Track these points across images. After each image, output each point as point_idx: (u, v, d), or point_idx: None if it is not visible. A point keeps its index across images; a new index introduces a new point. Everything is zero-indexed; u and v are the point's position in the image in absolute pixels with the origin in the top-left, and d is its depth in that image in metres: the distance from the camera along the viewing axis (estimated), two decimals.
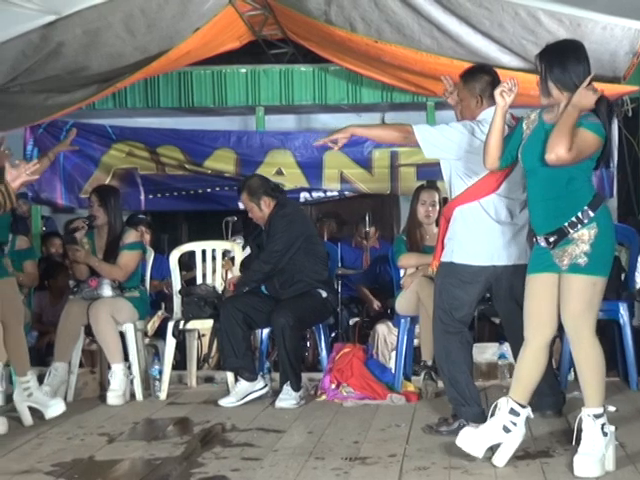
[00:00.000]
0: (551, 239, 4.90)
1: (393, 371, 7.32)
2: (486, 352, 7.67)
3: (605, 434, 4.87)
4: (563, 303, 4.93)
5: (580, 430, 4.93)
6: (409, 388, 7.14)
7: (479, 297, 5.95)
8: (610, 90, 8.24)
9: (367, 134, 6.69)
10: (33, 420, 6.49)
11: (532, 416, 5.13)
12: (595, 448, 4.83)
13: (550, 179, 4.87)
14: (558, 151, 4.68)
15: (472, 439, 5.08)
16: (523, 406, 5.05)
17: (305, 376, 7.27)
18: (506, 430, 5.02)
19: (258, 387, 7.14)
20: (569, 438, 5.17)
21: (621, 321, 7.10)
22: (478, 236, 5.69)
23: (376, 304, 8.92)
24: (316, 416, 6.57)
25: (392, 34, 7.91)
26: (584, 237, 4.82)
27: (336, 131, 6.03)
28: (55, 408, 6.60)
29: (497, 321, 8.16)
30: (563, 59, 4.93)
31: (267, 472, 5.11)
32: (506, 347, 7.63)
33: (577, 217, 4.83)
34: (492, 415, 5.10)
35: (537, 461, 5.15)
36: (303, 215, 7.70)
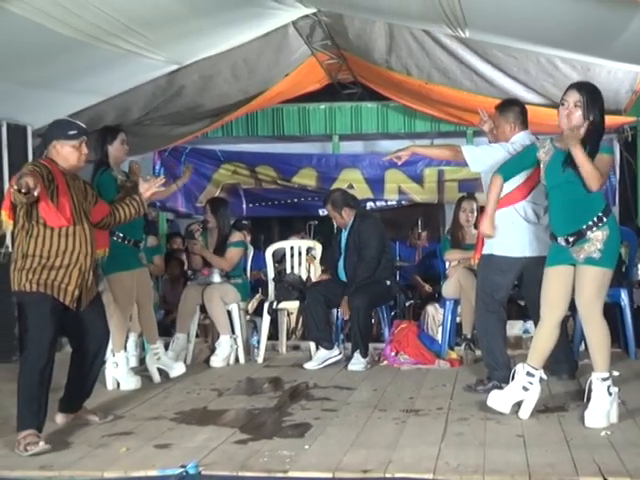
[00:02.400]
0: (571, 239, 4.87)
1: (440, 342, 7.28)
2: (514, 328, 7.58)
3: (610, 393, 4.82)
4: (578, 290, 4.89)
5: (590, 390, 4.88)
6: (453, 356, 7.09)
7: (513, 282, 5.91)
8: (613, 121, 8.17)
9: (425, 152, 6.73)
10: (160, 378, 6.57)
11: (545, 377, 5.08)
12: (602, 405, 4.78)
13: (571, 192, 4.85)
14: (597, 185, 4.72)
15: (499, 399, 5.06)
16: (536, 369, 5.01)
17: (371, 346, 7.25)
18: (525, 389, 5.00)
19: (334, 354, 7.13)
20: (581, 396, 5.11)
21: (622, 304, 7.01)
22: (513, 233, 5.64)
23: (427, 287, 8.87)
24: (379, 377, 6.56)
25: (439, 77, 7.87)
26: (598, 237, 4.80)
27: (401, 149, 6.04)
28: (177, 370, 6.69)
29: (522, 303, 8.09)
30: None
31: (341, 420, 5.14)
32: (529, 324, 7.57)
33: (593, 221, 4.80)
34: (513, 379, 5.07)
35: (555, 414, 5.12)
36: (382, 225, 7.66)
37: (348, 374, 6.75)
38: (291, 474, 4.09)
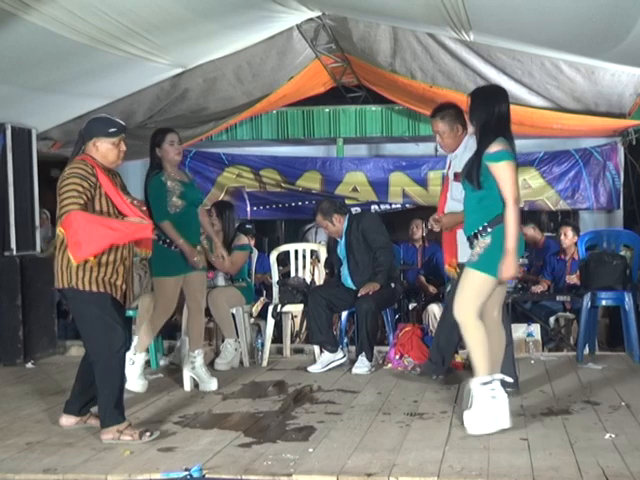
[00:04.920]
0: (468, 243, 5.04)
1: None
2: (518, 331, 7.55)
3: (494, 397, 4.77)
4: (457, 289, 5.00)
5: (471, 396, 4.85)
6: (457, 359, 7.09)
7: None
8: (618, 124, 8.17)
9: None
10: (180, 386, 6.40)
11: (509, 379, 4.99)
12: (483, 409, 4.75)
13: (469, 199, 4.98)
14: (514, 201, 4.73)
15: (478, 421, 4.78)
16: (489, 374, 4.85)
17: (375, 349, 7.24)
18: (494, 398, 4.80)
19: (338, 357, 7.12)
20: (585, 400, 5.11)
21: (626, 307, 6.99)
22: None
23: (431, 289, 8.86)
24: (384, 380, 6.55)
25: (444, 80, 7.88)
26: (481, 244, 4.87)
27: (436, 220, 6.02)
28: (209, 385, 6.36)
29: (527, 307, 8.10)
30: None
31: (345, 424, 5.13)
32: (533, 327, 7.58)
33: (479, 229, 4.88)
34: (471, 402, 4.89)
35: (559, 417, 5.12)
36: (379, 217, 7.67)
37: (352, 377, 6.74)
38: (295, 477, 4.09)
